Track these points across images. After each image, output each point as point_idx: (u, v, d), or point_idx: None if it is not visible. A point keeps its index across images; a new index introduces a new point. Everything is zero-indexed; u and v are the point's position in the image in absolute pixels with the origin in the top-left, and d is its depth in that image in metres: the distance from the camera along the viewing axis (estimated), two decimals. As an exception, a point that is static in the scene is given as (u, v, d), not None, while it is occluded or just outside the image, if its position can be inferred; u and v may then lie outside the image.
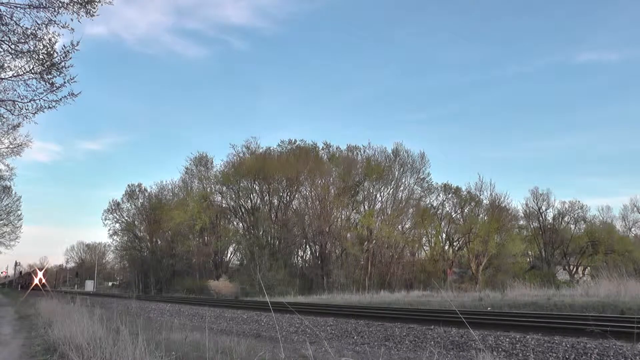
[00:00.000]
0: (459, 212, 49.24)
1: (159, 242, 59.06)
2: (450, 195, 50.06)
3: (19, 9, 11.59)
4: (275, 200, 48.33)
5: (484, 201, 46.14)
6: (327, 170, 46.66)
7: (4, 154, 21.00)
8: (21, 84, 12.83)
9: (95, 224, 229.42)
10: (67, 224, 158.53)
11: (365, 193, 47.39)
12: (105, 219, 63.23)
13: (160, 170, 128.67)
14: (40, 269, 67.02)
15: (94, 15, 12.05)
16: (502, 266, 44.79)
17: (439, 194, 50.12)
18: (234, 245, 51.68)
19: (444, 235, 49.49)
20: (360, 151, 48.64)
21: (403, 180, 47.21)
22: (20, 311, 17.97)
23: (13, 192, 45.81)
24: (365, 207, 47.13)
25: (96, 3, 12.01)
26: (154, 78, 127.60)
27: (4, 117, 14.99)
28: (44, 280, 60.97)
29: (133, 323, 6.82)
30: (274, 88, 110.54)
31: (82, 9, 11.88)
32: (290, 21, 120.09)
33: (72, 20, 11.87)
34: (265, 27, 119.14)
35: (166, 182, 58.85)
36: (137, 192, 62.96)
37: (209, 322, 12.14)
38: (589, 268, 49.67)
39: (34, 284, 58.41)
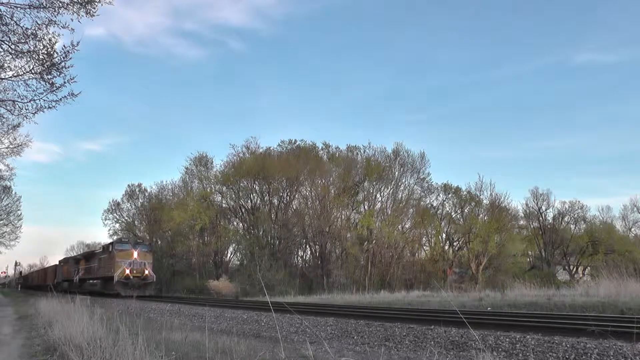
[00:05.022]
0: (459, 212, 49.24)
1: (159, 242, 58.98)
2: (450, 195, 50.07)
3: (19, 9, 11.61)
4: (275, 200, 48.32)
5: (484, 201, 46.13)
6: (327, 170, 46.64)
7: (4, 154, 21.04)
8: (21, 84, 12.86)
9: (95, 224, 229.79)
10: (67, 224, 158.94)
11: (365, 193, 47.36)
12: (105, 219, 63.05)
13: (160, 170, 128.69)
14: (137, 242, 32.16)
15: (94, 16, 12.08)
16: (502, 266, 44.79)
17: (439, 194, 50.13)
18: (234, 245, 51.66)
19: (444, 235, 49.47)
20: (360, 151, 48.66)
21: (403, 180, 47.22)
22: (20, 311, 17.97)
23: (13, 192, 45.91)
24: (365, 207, 47.10)
25: (96, 3, 12.03)
26: (154, 79, 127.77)
27: (4, 117, 15.02)
28: (147, 271, 29.49)
29: (133, 323, 6.82)
30: (273, 88, 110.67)
31: (82, 9, 11.90)
32: (288, 22, 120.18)
33: (72, 20, 11.89)
34: (264, 28, 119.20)
35: (166, 182, 58.77)
36: (137, 192, 62.89)
37: (209, 322, 12.14)
38: (589, 268, 49.71)
39: (125, 274, 28.21)
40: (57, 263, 50.77)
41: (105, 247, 32.74)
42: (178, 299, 28.52)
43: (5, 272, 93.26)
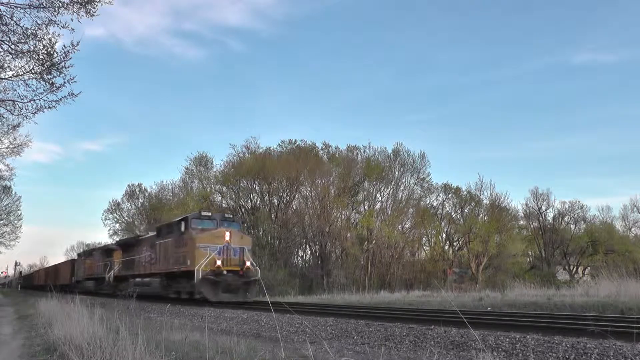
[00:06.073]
0: (459, 212, 49.28)
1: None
2: (450, 195, 50.12)
3: (19, 9, 11.62)
4: (275, 200, 48.33)
5: (484, 201, 46.24)
6: (327, 170, 46.66)
7: (4, 154, 21.08)
8: (21, 84, 12.89)
9: (95, 224, 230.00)
10: (67, 224, 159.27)
11: (365, 193, 47.39)
12: (105, 219, 63.11)
13: (160, 170, 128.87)
14: (225, 218, 20.61)
15: (93, 15, 12.10)
16: (502, 266, 44.83)
17: (439, 194, 50.19)
18: (234, 245, 51.56)
19: (444, 235, 49.51)
20: (360, 151, 48.70)
21: (403, 180, 47.27)
22: (20, 311, 17.98)
23: (13, 192, 45.95)
24: (365, 207, 47.12)
25: (96, 3, 12.05)
26: (154, 79, 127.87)
27: (4, 117, 15.07)
28: (249, 262, 18.96)
29: (133, 323, 6.82)
30: (273, 88, 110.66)
31: (82, 9, 11.92)
32: (288, 22, 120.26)
33: (72, 20, 11.92)
34: (264, 28, 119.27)
35: (166, 182, 58.78)
36: (137, 192, 63.01)
37: (209, 322, 12.14)
38: (589, 268, 49.71)
39: (215, 266, 17.93)
40: (76, 257, 41.90)
41: (171, 226, 21.50)
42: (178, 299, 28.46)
43: (5, 272, 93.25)
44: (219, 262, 18.05)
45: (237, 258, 18.78)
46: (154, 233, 23.84)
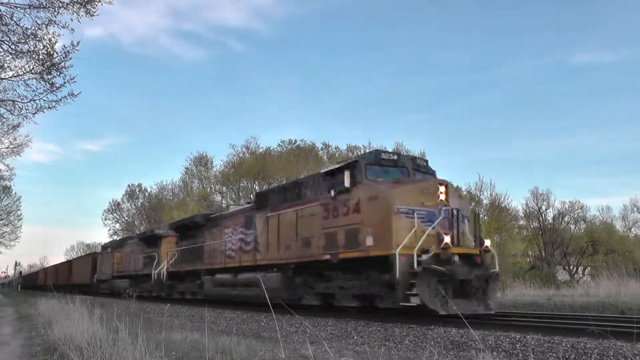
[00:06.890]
0: (459, 212, 49.17)
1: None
2: (450, 195, 50.00)
3: (19, 9, 11.64)
4: (276, 200, 48.26)
5: (484, 201, 46.17)
6: (327, 171, 46.62)
7: (4, 154, 21.12)
8: (21, 84, 12.93)
9: (95, 223, 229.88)
10: (67, 224, 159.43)
11: (365, 193, 47.33)
12: (105, 219, 63.14)
13: (160, 170, 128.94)
14: (417, 165, 11.75)
15: (93, 15, 12.13)
16: (502, 266, 44.69)
17: (439, 194, 50.04)
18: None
19: (444, 235, 49.38)
20: (360, 151, 48.63)
21: (403, 180, 47.18)
22: (20, 311, 17.99)
23: (13, 192, 45.94)
24: (365, 207, 47.03)
25: (96, 3, 12.06)
26: (153, 79, 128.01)
27: (4, 117, 15.11)
28: (487, 242, 11.02)
29: (133, 323, 6.82)
30: (273, 88, 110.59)
31: (82, 9, 11.94)
32: (288, 22, 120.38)
33: (72, 20, 11.94)
34: (264, 28, 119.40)
35: (166, 182, 58.85)
36: (137, 192, 63.11)
37: (209, 322, 12.14)
38: (589, 268, 49.70)
39: (443, 245, 9.64)
40: (100, 250, 34.17)
41: (304, 184, 13.21)
42: (178, 299, 28.43)
43: (5, 272, 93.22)
44: (447, 239, 9.92)
45: (466, 233, 11.06)
46: (244, 206, 16.81)
